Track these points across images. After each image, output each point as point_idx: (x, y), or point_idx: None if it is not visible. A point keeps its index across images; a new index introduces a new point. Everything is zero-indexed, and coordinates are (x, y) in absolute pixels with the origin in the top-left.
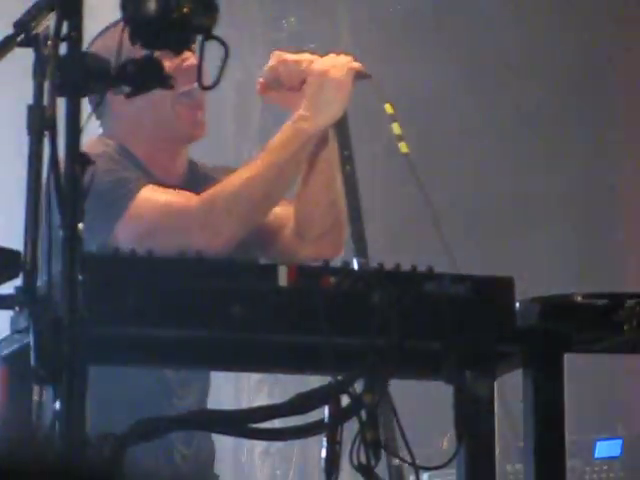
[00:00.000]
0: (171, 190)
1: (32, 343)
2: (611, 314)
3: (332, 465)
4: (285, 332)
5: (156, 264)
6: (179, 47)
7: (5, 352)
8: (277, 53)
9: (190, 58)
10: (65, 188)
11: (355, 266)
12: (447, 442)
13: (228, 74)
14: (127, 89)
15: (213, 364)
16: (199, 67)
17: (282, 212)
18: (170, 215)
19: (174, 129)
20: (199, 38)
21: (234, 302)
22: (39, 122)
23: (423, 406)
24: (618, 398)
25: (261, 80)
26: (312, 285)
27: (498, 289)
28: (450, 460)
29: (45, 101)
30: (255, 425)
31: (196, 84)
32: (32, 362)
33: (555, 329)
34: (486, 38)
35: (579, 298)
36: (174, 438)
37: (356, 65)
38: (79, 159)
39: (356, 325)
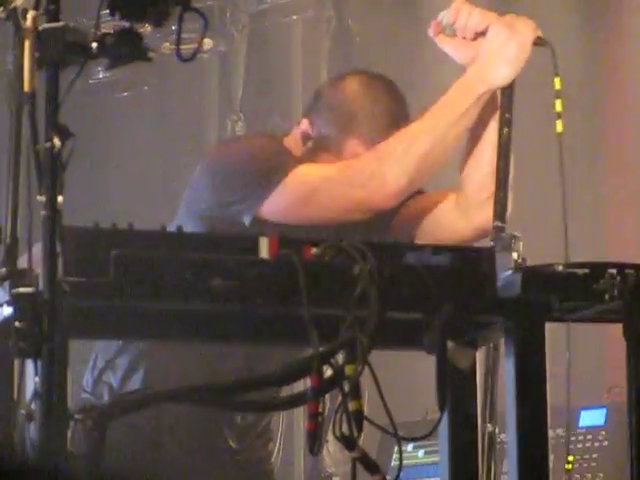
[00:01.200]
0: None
1: (13, 317)
2: (592, 283)
3: (314, 437)
4: (266, 304)
5: (136, 237)
6: (159, 19)
7: None
8: (461, 0)
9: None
10: (44, 161)
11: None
12: (431, 412)
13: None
14: (106, 62)
15: (195, 337)
16: (177, 39)
17: (435, 195)
18: (333, 174)
19: None
20: (178, 10)
21: (215, 274)
22: (18, 95)
23: (406, 376)
24: (602, 367)
25: (436, 21)
26: (293, 257)
27: (479, 259)
28: (432, 430)
29: (24, 74)
30: (239, 397)
31: None
32: (12, 336)
33: (536, 298)
34: None
35: (560, 267)
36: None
37: (536, 31)
38: (58, 132)
39: (338, 296)
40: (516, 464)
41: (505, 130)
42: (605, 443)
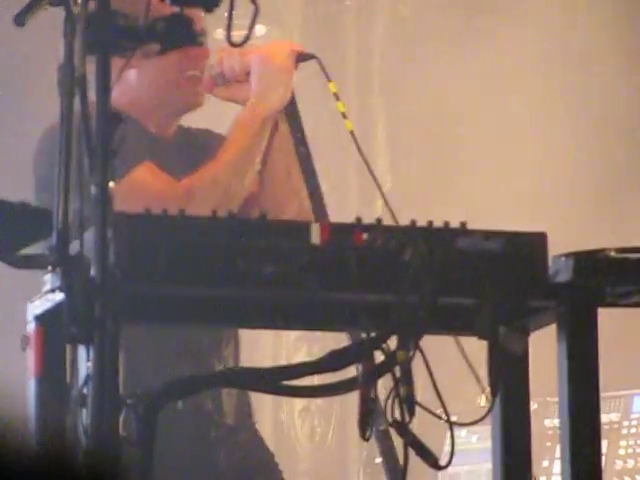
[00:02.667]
0: (158, 175)
1: (65, 303)
2: None
3: (366, 422)
4: (318, 290)
5: (188, 223)
6: (210, 5)
7: (39, 311)
8: (219, 49)
9: (201, 51)
10: (96, 146)
11: None
12: (484, 399)
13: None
14: (157, 46)
15: (246, 323)
16: (228, 24)
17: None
18: (152, 200)
19: (177, 101)
20: None
21: (266, 261)
22: (69, 80)
23: (458, 363)
24: None
25: (207, 77)
26: (345, 242)
27: (531, 245)
28: (484, 416)
29: (75, 60)
30: (290, 382)
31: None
32: (64, 322)
33: (588, 284)
34: None
35: (612, 253)
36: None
37: (297, 47)
38: (110, 117)
39: (389, 282)
40: (568, 449)
41: (301, 149)
42: None
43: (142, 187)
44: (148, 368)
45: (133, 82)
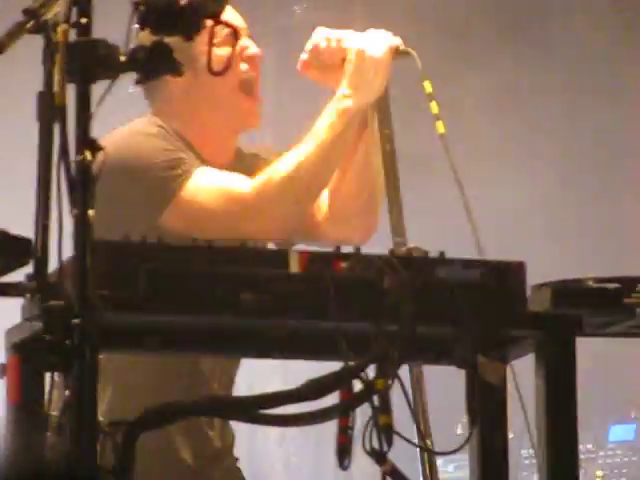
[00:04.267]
0: (226, 173)
1: (43, 331)
2: (622, 298)
3: (344, 451)
4: (297, 318)
5: (166, 251)
6: (189, 32)
7: (17, 339)
8: (319, 29)
9: (250, 47)
10: (75, 175)
11: (392, 245)
12: (461, 427)
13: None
14: (137, 75)
15: (224, 351)
16: (209, 52)
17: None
18: (225, 200)
19: (231, 117)
20: (209, 23)
21: (245, 288)
22: (49, 109)
23: (436, 391)
24: (631, 382)
25: (303, 57)
26: (323, 271)
27: (509, 274)
28: (463, 445)
29: (55, 88)
30: (268, 411)
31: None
32: (43, 349)
33: (566, 313)
34: None
35: (590, 282)
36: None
37: (395, 41)
38: (89, 145)
39: (368, 310)
40: (546, 479)
41: (387, 146)
42: (634, 458)
43: (213, 185)
44: (147, 388)
45: (183, 101)
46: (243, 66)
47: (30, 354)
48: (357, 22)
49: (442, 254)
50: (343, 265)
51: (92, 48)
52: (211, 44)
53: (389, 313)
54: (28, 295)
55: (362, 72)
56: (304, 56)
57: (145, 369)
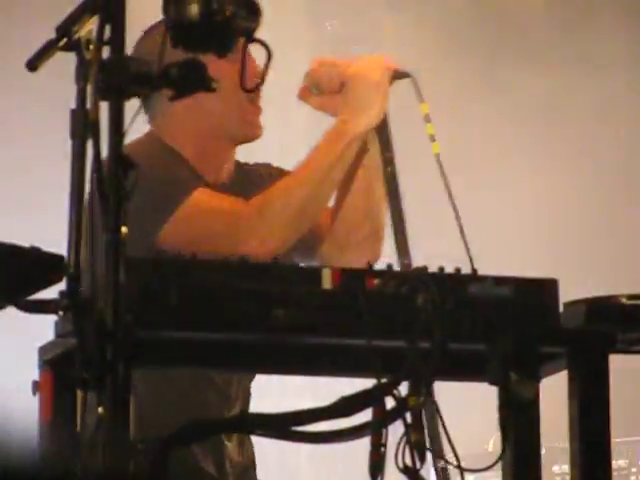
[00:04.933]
0: (223, 195)
1: (76, 347)
2: None
3: (377, 468)
4: (329, 335)
5: (200, 267)
6: (222, 50)
7: (49, 356)
8: (316, 57)
9: (254, 62)
10: (108, 192)
11: (397, 267)
12: (493, 444)
13: (271, 76)
14: (170, 92)
15: (257, 367)
16: (242, 69)
17: (321, 220)
18: (222, 221)
19: (234, 129)
20: (242, 41)
21: (278, 305)
22: (82, 126)
23: (469, 408)
24: None
25: (302, 86)
26: (356, 287)
27: (542, 290)
28: (496, 462)
29: (88, 105)
30: (300, 428)
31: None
32: (76, 366)
33: (600, 330)
34: None
35: (623, 299)
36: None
37: (393, 65)
38: (122, 162)
39: (400, 327)
40: None
41: (389, 169)
42: None
43: (209, 207)
44: (173, 399)
45: (183, 115)
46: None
47: (63, 371)
48: (386, 38)
49: (475, 271)
50: (376, 282)
51: (125, 65)
52: (244, 61)
53: (422, 330)
54: (61, 312)
55: (360, 97)
56: (303, 84)
57: (154, 381)
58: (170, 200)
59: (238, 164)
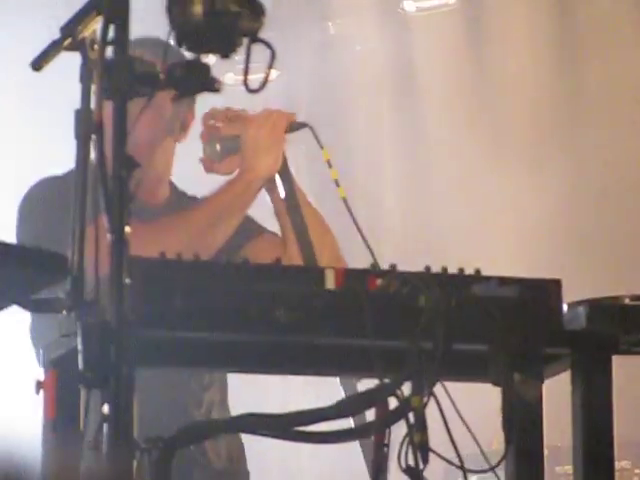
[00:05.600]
0: None
1: (80, 347)
2: None
3: (379, 468)
4: (332, 335)
5: (202, 267)
6: (225, 50)
7: (53, 356)
8: (206, 116)
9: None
10: (112, 191)
11: None
12: (496, 443)
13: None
14: (174, 92)
15: (260, 368)
16: (245, 70)
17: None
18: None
19: (159, 160)
20: (245, 41)
21: (281, 305)
22: (86, 126)
23: (471, 408)
24: None
25: (203, 159)
26: (359, 288)
27: (546, 291)
28: (498, 463)
29: (92, 105)
30: (302, 428)
31: None
32: (80, 366)
33: (603, 331)
34: None
35: (627, 300)
36: None
37: (289, 116)
38: (126, 162)
39: (403, 327)
40: None
41: (295, 217)
42: None
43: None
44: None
45: None
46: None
47: (66, 370)
48: (391, 37)
49: (478, 271)
50: (378, 282)
51: (129, 65)
52: (248, 62)
53: (424, 330)
54: (65, 311)
55: (255, 149)
56: (203, 157)
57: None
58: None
59: (176, 189)
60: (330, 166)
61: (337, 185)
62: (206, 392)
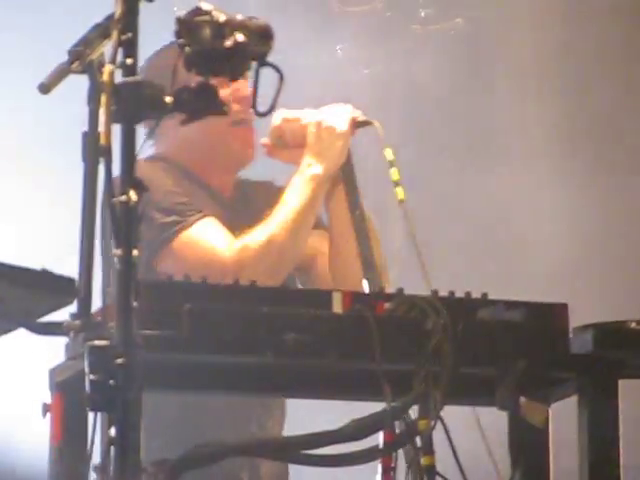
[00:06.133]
0: (215, 232)
1: (86, 370)
2: None
3: None
4: (340, 358)
5: (210, 291)
6: (234, 74)
7: (60, 379)
8: (279, 111)
9: (243, 88)
10: (120, 215)
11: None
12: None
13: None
14: (182, 116)
15: (267, 391)
16: (254, 93)
17: (314, 241)
18: (206, 261)
19: (227, 154)
20: (254, 65)
21: (289, 329)
22: (94, 149)
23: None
24: None
25: (266, 142)
26: (366, 311)
27: (552, 315)
28: None
29: (100, 128)
30: (310, 451)
31: (250, 112)
32: (87, 389)
33: (609, 355)
34: None
35: (633, 324)
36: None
37: (355, 113)
38: (134, 186)
39: (411, 351)
40: None
41: (356, 212)
42: None
43: (200, 245)
44: (180, 422)
45: (188, 137)
46: (235, 106)
47: (73, 393)
48: (396, 59)
49: (485, 295)
50: (386, 306)
51: (138, 89)
52: (256, 86)
53: (432, 354)
54: (72, 334)
55: (322, 141)
56: (266, 140)
57: (178, 404)
58: (168, 229)
59: (238, 181)
60: (392, 166)
61: (397, 186)
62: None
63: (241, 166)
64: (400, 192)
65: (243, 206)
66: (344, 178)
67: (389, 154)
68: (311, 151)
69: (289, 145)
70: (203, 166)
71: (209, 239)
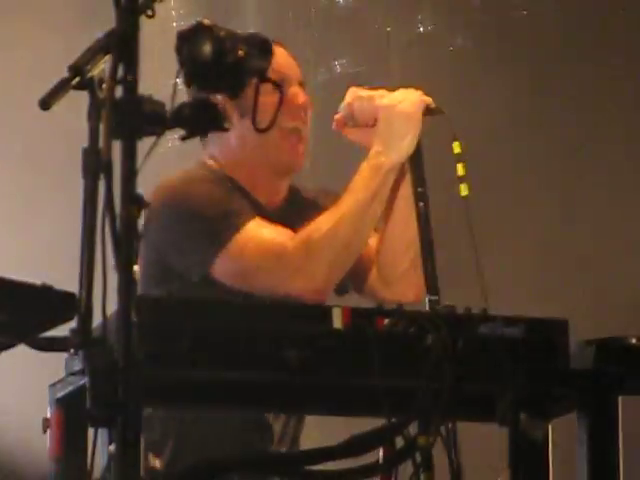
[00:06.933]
0: (273, 228)
1: (87, 385)
2: None
3: None
4: (339, 374)
5: (210, 307)
6: (234, 90)
7: (60, 394)
8: (352, 89)
9: (300, 95)
10: (120, 231)
11: (426, 304)
12: None
13: None
14: (182, 132)
15: (268, 407)
16: (254, 108)
17: (366, 251)
18: (268, 258)
19: (277, 161)
20: (254, 80)
21: (289, 345)
22: (94, 165)
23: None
24: None
25: (337, 116)
26: (366, 327)
27: (552, 331)
28: None
29: (100, 144)
30: (310, 467)
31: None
32: (87, 404)
33: (609, 371)
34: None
35: (633, 340)
36: None
37: (427, 99)
38: (134, 202)
39: (410, 367)
40: None
41: (421, 204)
42: None
43: (259, 241)
44: (210, 440)
45: (234, 145)
46: (289, 114)
47: (73, 409)
48: (394, 76)
49: (484, 310)
50: (386, 321)
51: (138, 105)
52: (257, 101)
53: (431, 370)
54: (72, 350)
55: (393, 129)
56: (338, 115)
57: (209, 421)
58: (224, 233)
59: (292, 189)
60: (460, 161)
61: (462, 181)
62: (280, 424)
63: (286, 175)
64: (464, 188)
65: (291, 218)
66: (411, 168)
67: (457, 147)
68: (381, 138)
69: (358, 123)
70: (250, 175)
71: (267, 233)
